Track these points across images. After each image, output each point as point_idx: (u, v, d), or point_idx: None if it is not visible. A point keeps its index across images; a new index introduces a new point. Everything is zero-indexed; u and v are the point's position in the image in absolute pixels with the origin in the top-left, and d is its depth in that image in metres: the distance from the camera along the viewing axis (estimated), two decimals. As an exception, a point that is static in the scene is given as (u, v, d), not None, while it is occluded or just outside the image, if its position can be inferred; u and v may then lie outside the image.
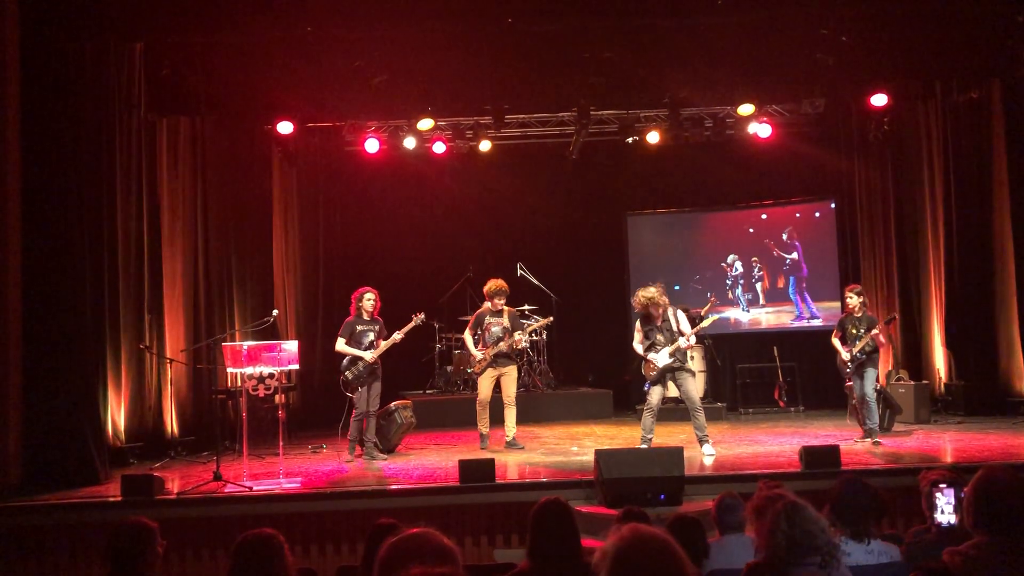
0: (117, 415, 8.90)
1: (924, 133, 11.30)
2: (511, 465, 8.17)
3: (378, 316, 8.76)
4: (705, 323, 8.94)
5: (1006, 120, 10.37)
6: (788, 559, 2.65)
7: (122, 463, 8.57)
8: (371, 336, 8.63)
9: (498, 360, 9.09)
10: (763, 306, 12.72)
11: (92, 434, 7.95)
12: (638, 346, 8.52)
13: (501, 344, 9.06)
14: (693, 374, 8.66)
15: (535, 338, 11.65)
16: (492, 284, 9.27)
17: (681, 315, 8.50)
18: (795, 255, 12.49)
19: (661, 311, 8.33)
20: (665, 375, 8.39)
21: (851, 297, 8.78)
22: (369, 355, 8.52)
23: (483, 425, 9.14)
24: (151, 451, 9.11)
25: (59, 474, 7.61)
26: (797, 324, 12.50)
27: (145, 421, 9.29)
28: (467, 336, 9.43)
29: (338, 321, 8.98)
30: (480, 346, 9.20)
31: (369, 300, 8.67)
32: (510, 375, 9.16)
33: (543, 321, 10.06)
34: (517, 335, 9.13)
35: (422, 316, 8.84)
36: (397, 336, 8.62)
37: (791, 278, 12.53)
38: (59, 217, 8.04)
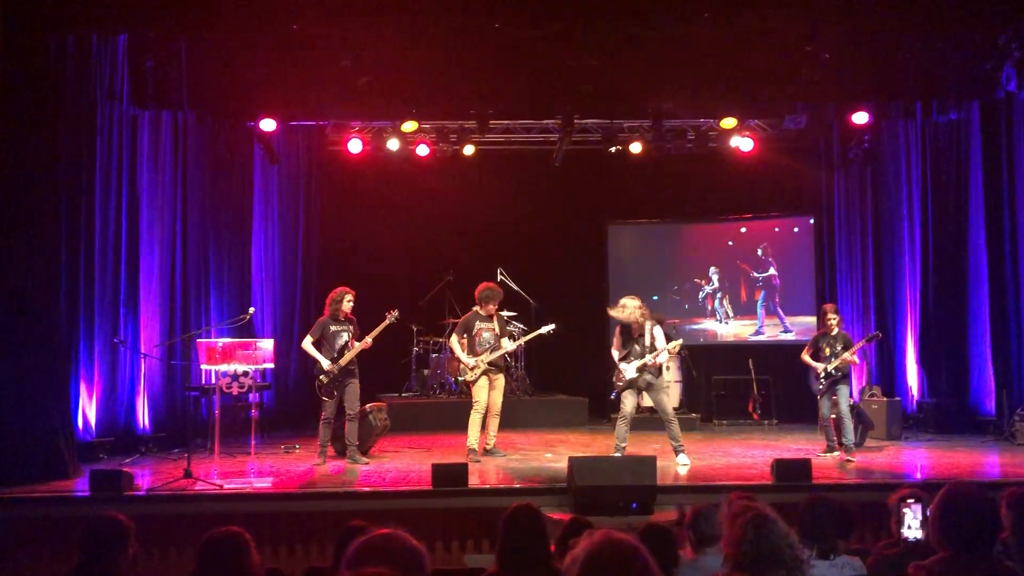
0: (88, 409, 8.82)
1: (904, 152, 11.43)
2: (485, 471, 8.15)
3: (352, 316, 8.63)
4: (670, 346, 8.48)
5: (984, 142, 10.52)
6: (752, 571, 2.66)
7: (92, 458, 8.46)
8: (345, 337, 8.45)
9: (489, 368, 8.76)
10: (732, 319, 12.82)
11: (61, 428, 7.86)
12: (614, 352, 8.50)
13: (495, 353, 8.75)
14: (664, 390, 8.52)
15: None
16: (485, 287, 8.89)
17: (658, 331, 8.41)
18: (771, 271, 12.58)
19: (636, 323, 8.31)
20: (634, 386, 8.37)
21: (832, 316, 8.84)
22: (327, 364, 8.32)
23: (475, 438, 8.73)
24: (122, 446, 9.02)
25: (26, 468, 7.48)
26: (755, 338, 12.63)
27: (116, 416, 9.20)
28: (454, 342, 9.04)
29: (315, 321, 8.91)
30: (468, 352, 8.85)
31: (349, 302, 8.47)
32: (499, 385, 8.87)
33: (546, 328, 9.22)
34: (506, 342, 8.85)
35: (396, 313, 8.57)
36: (368, 340, 8.39)
37: (762, 292, 12.63)
38: (35, 208, 7.95)
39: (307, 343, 8.50)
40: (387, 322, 8.53)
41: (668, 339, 8.72)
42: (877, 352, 11.49)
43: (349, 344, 8.44)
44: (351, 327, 8.54)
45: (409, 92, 10.21)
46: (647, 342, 8.32)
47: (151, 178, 9.92)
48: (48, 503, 6.86)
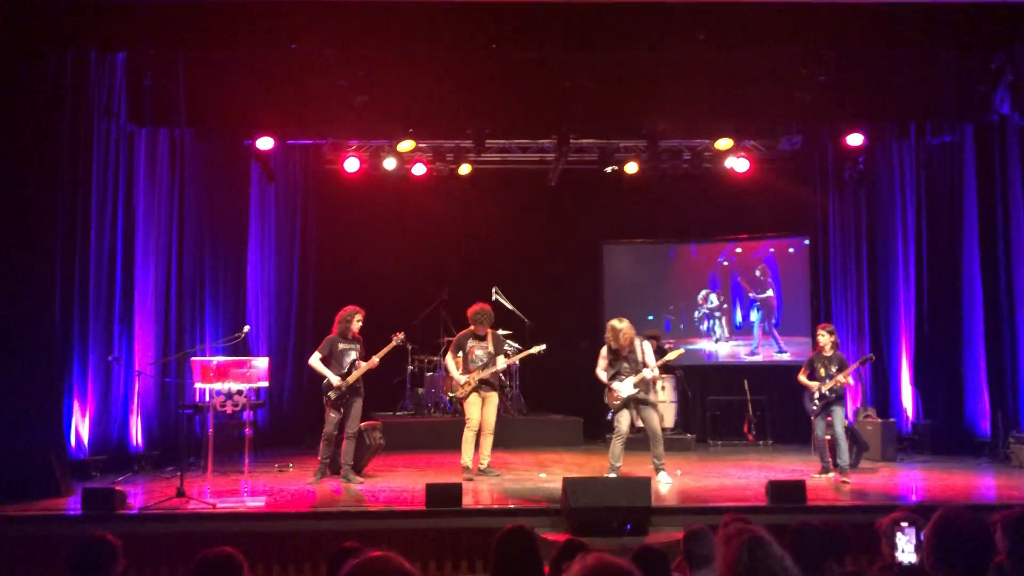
0: (81, 426, 8.77)
1: (898, 174, 11.47)
2: (479, 491, 8.12)
3: (359, 336, 8.62)
4: (671, 356, 8.92)
5: (977, 164, 10.57)
6: None
7: (84, 476, 8.43)
8: (352, 356, 8.45)
9: (481, 386, 8.81)
10: (728, 339, 12.83)
11: (54, 445, 7.82)
12: (601, 373, 8.53)
13: (487, 370, 8.80)
14: (655, 407, 8.60)
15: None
16: (476, 308, 9.00)
17: (647, 346, 8.53)
18: (770, 292, 12.59)
19: (627, 343, 8.36)
20: (629, 404, 8.41)
21: (823, 335, 8.85)
22: (336, 380, 8.31)
23: (469, 456, 8.75)
24: (115, 464, 8.97)
25: (19, 486, 7.44)
26: (750, 358, 12.65)
27: (110, 434, 9.15)
28: (449, 360, 9.10)
29: (310, 339, 8.92)
30: (462, 371, 8.90)
31: (358, 321, 8.49)
32: (491, 402, 8.89)
33: (536, 349, 9.25)
34: (500, 360, 8.88)
35: (402, 336, 8.67)
36: (375, 360, 8.43)
37: (760, 313, 12.65)
38: (31, 223, 7.95)
39: (315, 360, 8.49)
40: (394, 343, 8.60)
41: (663, 353, 8.79)
42: (872, 373, 11.49)
43: (356, 363, 8.43)
44: (358, 346, 8.53)
45: (406, 111, 10.26)
46: (638, 358, 8.38)
47: (148, 195, 9.93)
48: (40, 522, 6.81)
